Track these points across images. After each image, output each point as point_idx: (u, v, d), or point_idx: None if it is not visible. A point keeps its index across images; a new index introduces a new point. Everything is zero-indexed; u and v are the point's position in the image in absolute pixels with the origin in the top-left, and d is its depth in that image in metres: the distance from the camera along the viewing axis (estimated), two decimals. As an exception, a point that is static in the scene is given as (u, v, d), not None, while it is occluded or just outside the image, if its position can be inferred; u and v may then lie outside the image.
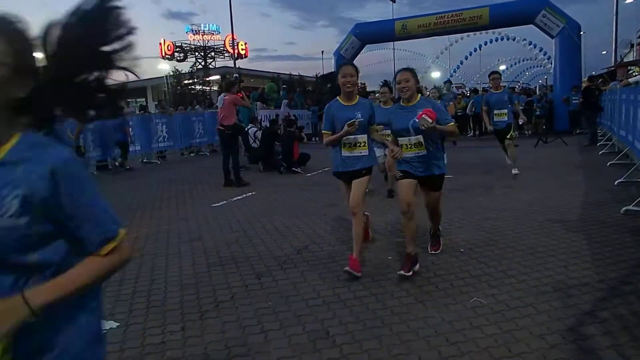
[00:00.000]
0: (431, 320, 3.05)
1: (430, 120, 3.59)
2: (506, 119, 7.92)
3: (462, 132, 17.81)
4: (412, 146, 3.91)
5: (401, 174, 4.02)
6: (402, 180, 4.00)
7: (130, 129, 13.46)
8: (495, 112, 7.90)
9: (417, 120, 3.67)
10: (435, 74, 44.78)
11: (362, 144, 4.01)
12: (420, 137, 3.85)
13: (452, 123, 3.95)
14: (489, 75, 8.41)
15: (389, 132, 4.58)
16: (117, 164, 13.03)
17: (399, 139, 4.00)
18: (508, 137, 7.93)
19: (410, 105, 3.93)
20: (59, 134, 1.11)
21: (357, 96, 4.12)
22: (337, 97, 4.15)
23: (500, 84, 8.29)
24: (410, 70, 4.00)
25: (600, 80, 17.01)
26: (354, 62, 22.57)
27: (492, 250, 4.40)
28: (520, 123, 8.13)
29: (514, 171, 7.89)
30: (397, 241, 4.80)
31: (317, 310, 3.28)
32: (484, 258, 4.19)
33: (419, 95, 4.03)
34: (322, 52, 44.25)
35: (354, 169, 4.03)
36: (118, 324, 3.22)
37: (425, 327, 2.95)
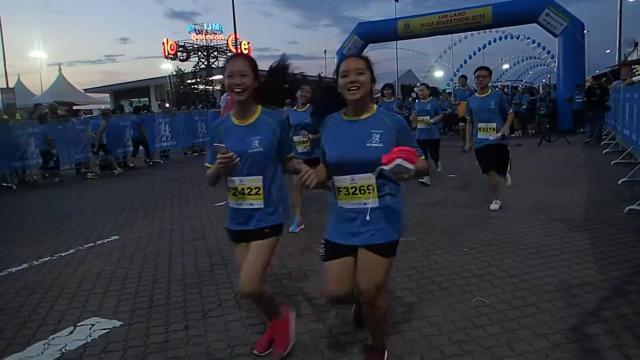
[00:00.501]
0: (434, 319, 3.05)
1: (411, 167, 2.05)
2: (490, 137, 5.66)
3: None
4: (357, 191, 2.25)
5: (323, 250, 2.41)
6: (330, 264, 2.37)
7: (145, 128, 13.68)
8: (480, 125, 5.77)
9: (385, 167, 2.05)
10: (439, 73, 44.70)
11: (256, 191, 2.45)
12: (372, 178, 2.21)
13: (422, 157, 2.28)
14: (474, 72, 5.97)
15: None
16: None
17: (335, 177, 2.32)
18: (507, 169, 5.87)
19: (361, 119, 2.28)
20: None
21: (259, 107, 2.50)
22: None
23: (489, 85, 5.93)
24: (364, 59, 2.28)
25: (604, 80, 16.93)
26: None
27: (495, 249, 4.39)
28: (500, 136, 5.56)
29: (494, 205, 5.89)
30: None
31: (319, 308, 3.29)
32: (486, 257, 4.18)
33: (375, 105, 2.35)
34: (325, 51, 44.36)
35: (246, 229, 2.50)
36: (121, 322, 3.23)
37: (428, 327, 2.95)
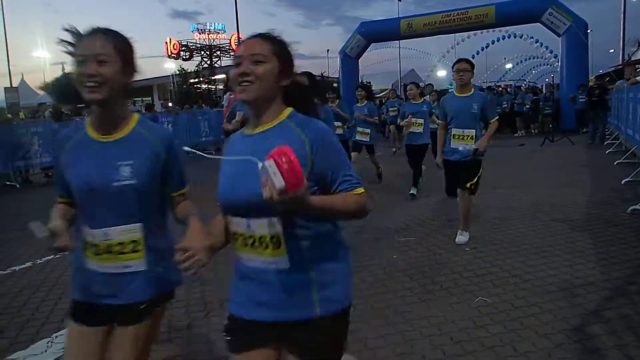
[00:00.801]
0: (435, 319, 3.05)
1: (279, 184, 1.14)
2: (464, 148, 4.49)
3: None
4: (256, 243, 1.45)
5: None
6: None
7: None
8: (455, 131, 4.60)
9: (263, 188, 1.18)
10: (441, 73, 44.66)
11: (131, 246, 1.65)
12: (275, 224, 1.40)
13: (360, 190, 1.43)
14: (453, 65, 4.75)
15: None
16: None
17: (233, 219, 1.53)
18: (468, 184, 4.48)
19: (256, 134, 1.50)
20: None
21: (135, 115, 1.74)
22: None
23: (471, 82, 4.67)
24: (270, 39, 1.47)
25: (607, 79, 16.89)
26: (359, 60, 22.69)
27: (496, 249, 4.39)
28: (473, 150, 4.38)
29: (460, 238, 4.64)
30: (401, 240, 4.81)
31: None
32: (488, 257, 4.18)
33: (289, 109, 1.52)
34: (328, 50, 44.29)
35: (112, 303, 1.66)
36: (124, 321, 3.24)
37: (429, 326, 2.95)
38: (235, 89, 1.45)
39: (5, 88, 18.09)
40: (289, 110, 1.51)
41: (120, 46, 1.55)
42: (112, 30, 1.57)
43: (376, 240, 4.86)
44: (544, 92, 18.95)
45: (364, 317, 3.11)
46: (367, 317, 3.10)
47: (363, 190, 1.44)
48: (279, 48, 1.47)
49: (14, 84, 22.00)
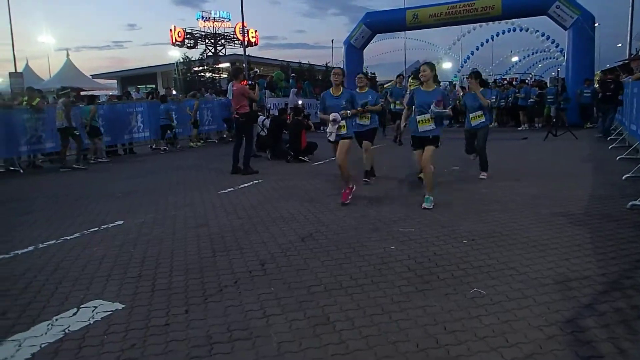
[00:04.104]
0: (430, 309, 3.08)
1: None
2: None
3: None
4: None
5: None
6: None
7: (173, 114, 14.71)
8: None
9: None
10: (447, 65, 44.42)
11: None
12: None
13: None
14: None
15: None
16: (166, 147, 14.82)
17: None
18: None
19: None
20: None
21: None
22: None
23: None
24: None
25: (616, 73, 16.76)
26: (364, 51, 22.52)
27: (494, 241, 4.42)
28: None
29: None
30: (400, 231, 4.83)
31: (318, 296, 3.33)
32: (486, 249, 4.21)
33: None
34: (332, 40, 44.03)
35: None
36: (124, 305, 3.29)
37: (424, 316, 2.99)
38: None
39: (10, 73, 18.13)
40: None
41: None
42: None
43: (375, 230, 4.89)
44: (551, 85, 18.74)
45: (361, 305, 3.15)
46: (364, 306, 3.14)
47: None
48: None
49: (19, 69, 22.02)
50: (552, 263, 3.82)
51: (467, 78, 9.07)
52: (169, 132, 14.53)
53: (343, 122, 6.06)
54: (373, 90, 7.84)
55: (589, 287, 3.34)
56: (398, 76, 14.21)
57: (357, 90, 7.42)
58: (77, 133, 11.10)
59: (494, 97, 7.91)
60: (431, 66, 5.99)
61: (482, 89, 7.60)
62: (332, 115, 5.97)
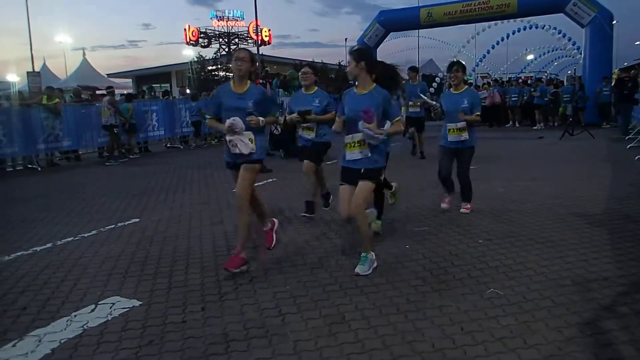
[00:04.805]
0: (447, 309, 3.06)
1: None
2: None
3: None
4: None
5: None
6: None
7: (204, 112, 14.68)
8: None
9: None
10: (461, 63, 43.89)
11: None
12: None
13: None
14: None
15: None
16: (193, 143, 15.29)
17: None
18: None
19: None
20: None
21: None
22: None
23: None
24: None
25: (632, 72, 16.49)
26: (378, 50, 22.39)
27: (511, 241, 4.37)
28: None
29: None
30: (415, 230, 4.81)
31: (334, 295, 3.33)
32: (502, 249, 4.17)
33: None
34: (346, 39, 43.72)
35: None
36: (141, 302, 3.33)
37: (441, 316, 2.97)
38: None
39: (28, 72, 18.38)
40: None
41: None
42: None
43: (391, 229, 4.88)
44: (568, 84, 18.48)
45: (376, 304, 3.14)
46: (379, 305, 3.13)
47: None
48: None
49: (36, 69, 22.35)
50: (570, 264, 3.77)
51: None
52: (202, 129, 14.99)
53: (250, 135, 4.00)
54: (325, 92, 5.57)
55: (608, 289, 3.29)
56: (411, 70, 10.59)
57: (302, 90, 5.64)
58: (117, 131, 11.97)
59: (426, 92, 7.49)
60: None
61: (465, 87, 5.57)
62: (229, 122, 3.89)
